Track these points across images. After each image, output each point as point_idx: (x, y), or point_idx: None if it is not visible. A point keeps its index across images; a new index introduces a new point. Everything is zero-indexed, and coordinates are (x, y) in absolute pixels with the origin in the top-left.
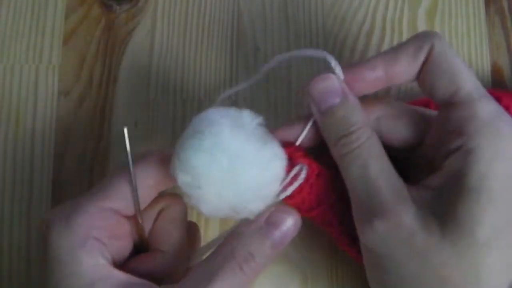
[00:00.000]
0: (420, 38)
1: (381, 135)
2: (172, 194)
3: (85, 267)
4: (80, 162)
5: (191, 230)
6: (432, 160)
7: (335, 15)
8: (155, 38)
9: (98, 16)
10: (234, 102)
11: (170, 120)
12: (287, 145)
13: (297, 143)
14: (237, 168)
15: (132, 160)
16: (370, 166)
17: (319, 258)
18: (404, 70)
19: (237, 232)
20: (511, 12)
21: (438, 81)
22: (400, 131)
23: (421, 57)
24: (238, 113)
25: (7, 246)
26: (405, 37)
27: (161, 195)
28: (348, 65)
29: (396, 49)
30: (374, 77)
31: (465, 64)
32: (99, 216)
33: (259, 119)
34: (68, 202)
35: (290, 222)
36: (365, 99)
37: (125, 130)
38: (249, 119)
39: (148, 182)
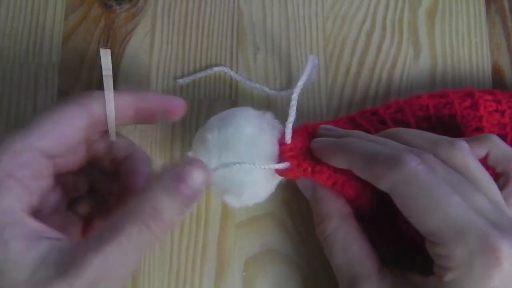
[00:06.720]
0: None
1: None
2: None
3: None
4: None
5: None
6: None
7: (335, 15)
8: (155, 37)
9: (98, 16)
10: (234, 102)
11: None
12: (283, 144)
13: (287, 141)
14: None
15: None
16: (335, 258)
17: (319, 259)
18: None
19: (148, 187)
20: (511, 11)
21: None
22: None
23: None
24: (261, 116)
25: None
26: (405, 37)
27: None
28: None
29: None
30: None
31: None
32: (24, 155)
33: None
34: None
35: (197, 176)
36: None
37: (101, 50)
38: (270, 119)
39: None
